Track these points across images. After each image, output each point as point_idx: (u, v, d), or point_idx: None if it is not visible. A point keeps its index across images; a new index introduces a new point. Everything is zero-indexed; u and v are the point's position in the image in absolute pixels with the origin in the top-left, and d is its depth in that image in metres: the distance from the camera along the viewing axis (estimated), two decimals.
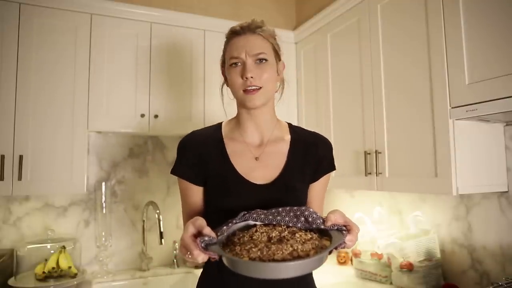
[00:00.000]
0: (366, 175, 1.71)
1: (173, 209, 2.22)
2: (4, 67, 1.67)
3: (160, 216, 1.96)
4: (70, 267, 1.76)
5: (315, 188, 1.08)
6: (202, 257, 0.77)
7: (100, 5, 1.86)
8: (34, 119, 1.72)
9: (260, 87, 0.98)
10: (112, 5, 1.90)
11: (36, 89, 1.73)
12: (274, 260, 0.70)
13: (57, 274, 1.73)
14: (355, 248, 1.91)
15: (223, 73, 1.08)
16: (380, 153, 1.64)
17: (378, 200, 2.05)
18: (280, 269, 0.68)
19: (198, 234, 0.79)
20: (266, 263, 0.69)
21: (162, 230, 1.93)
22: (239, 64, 0.98)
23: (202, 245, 0.76)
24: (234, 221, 0.85)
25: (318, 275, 1.12)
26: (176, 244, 2.15)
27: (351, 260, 2.03)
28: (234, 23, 1.03)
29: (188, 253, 0.78)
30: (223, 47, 1.07)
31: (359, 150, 1.79)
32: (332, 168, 1.11)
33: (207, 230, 0.78)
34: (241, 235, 0.81)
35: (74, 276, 1.75)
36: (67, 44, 1.81)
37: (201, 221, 0.81)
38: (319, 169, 1.08)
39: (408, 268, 1.61)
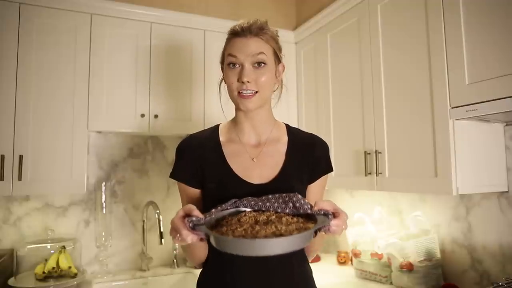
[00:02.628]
0: (366, 175, 1.71)
1: (173, 209, 2.22)
2: (4, 67, 1.67)
3: (160, 216, 1.97)
4: (70, 267, 1.75)
5: (313, 190, 1.08)
6: (190, 237, 0.80)
7: (100, 5, 1.86)
8: (34, 119, 1.72)
9: (256, 92, 0.98)
10: (112, 5, 1.90)
11: (36, 89, 1.73)
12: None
13: (57, 274, 1.73)
14: (355, 248, 1.91)
15: (223, 70, 1.08)
16: (380, 153, 1.64)
17: (378, 200, 2.05)
18: (262, 245, 0.71)
19: (187, 216, 0.82)
20: (248, 239, 0.72)
21: (162, 230, 1.94)
22: (237, 65, 0.98)
23: (190, 225, 0.78)
24: (223, 205, 0.87)
25: (318, 275, 1.12)
26: (176, 244, 2.15)
27: (351, 260, 2.02)
28: (234, 23, 1.02)
29: (178, 235, 0.81)
30: (223, 45, 1.06)
31: (359, 150, 1.79)
32: (330, 169, 1.11)
33: (196, 212, 0.82)
34: (229, 218, 0.83)
35: (74, 276, 1.75)
36: (67, 44, 1.81)
37: (191, 206, 0.84)
38: (316, 170, 1.08)
39: (408, 268, 1.61)
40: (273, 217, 0.82)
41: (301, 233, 0.73)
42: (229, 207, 0.88)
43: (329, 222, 0.81)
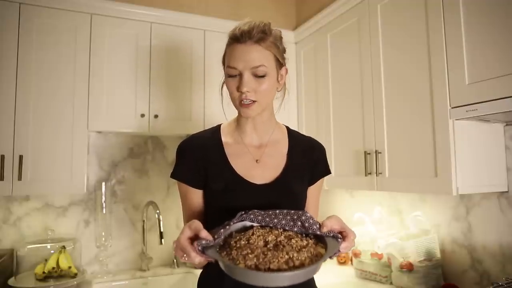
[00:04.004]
0: (366, 175, 1.71)
1: (173, 209, 2.22)
2: (4, 67, 1.67)
3: (160, 216, 1.97)
4: (70, 267, 1.75)
5: (311, 192, 1.10)
6: (198, 259, 0.79)
7: (100, 5, 1.86)
8: (34, 119, 1.72)
9: (255, 101, 0.97)
10: (112, 5, 1.90)
11: (36, 89, 1.73)
12: (270, 269, 0.72)
13: (57, 274, 1.72)
14: (355, 248, 1.91)
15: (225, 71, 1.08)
16: (380, 153, 1.64)
17: (378, 200, 2.05)
18: (275, 279, 0.71)
19: (195, 237, 0.80)
20: (262, 272, 0.71)
21: (162, 230, 1.93)
22: (237, 75, 0.97)
23: (199, 248, 0.77)
24: (231, 222, 0.86)
25: (318, 275, 1.12)
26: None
27: (351, 260, 2.02)
28: (234, 23, 1.01)
29: (185, 255, 0.80)
30: (225, 46, 1.06)
31: (359, 150, 1.79)
32: (328, 171, 1.13)
33: (204, 233, 0.79)
34: (237, 237, 0.81)
35: (74, 276, 1.75)
36: (67, 44, 1.81)
37: (197, 224, 0.81)
38: (316, 173, 1.10)
39: (408, 268, 1.61)
40: (282, 237, 0.81)
41: (313, 265, 0.73)
42: (235, 221, 0.86)
43: (339, 247, 0.80)
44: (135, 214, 2.16)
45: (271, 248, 0.78)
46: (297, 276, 0.72)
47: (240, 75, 0.96)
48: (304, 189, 1.07)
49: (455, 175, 1.33)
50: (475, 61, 1.26)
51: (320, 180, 1.12)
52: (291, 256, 0.75)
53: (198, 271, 1.10)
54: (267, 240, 0.80)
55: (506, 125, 1.47)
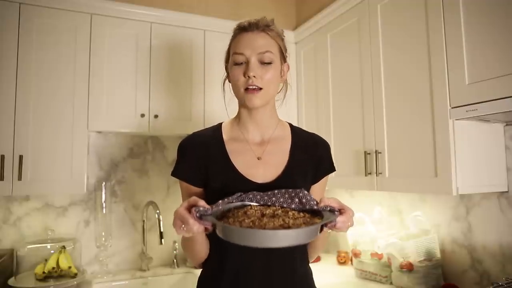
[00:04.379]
0: (366, 175, 1.71)
1: (173, 209, 2.20)
2: (4, 67, 1.67)
3: (160, 216, 1.97)
4: (70, 267, 1.76)
5: (315, 190, 1.08)
6: (197, 227, 0.80)
7: (100, 5, 1.86)
8: (34, 119, 1.72)
9: (261, 88, 0.98)
10: (112, 5, 1.90)
11: (36, 89, 1.74)
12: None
13: (57, 274, 1.73)
14: (355, 248, 1.91)
15: (226, 69, 1.08)
16: (380, 153, 1.64)
17: (378, 200, 2.05)
18: (269, 236, 0.70)
19: (193, 207, 0.82)
20: (256, 229, 0.72)
21: (162, 230, 1.93)
22: (243, 62, 0.98)
23: (197, 215, 0.79)
24: (230, 198, 0.87)
25: (318, 275, 1.12)
26: (176, 244, 2.15)
27: (351, 260, 2.02)
28: (234, 23, 1.02)
29: (183, 225, 0.82)
30: (228, 44, 1.06)
31: (359, 150, 1.79)
32: (332, 169, 1.11)
33: (202, 203, 0.82)
34: (235, 211, 0.83)
35: (74, 276, 1.75)
36: (67, 44, 1.81)
37: (196, 198, 0.85)
38: (320, 170, 1.08)
39: (408, 268, 1.61)
40: (279, 211, 0.82)
41: (309, 227, 0.73)
42: (234, 200, 0.87)
43: (335, 218, 0.81)
44: (135, 214, 2.16)
45: (267, 217, 0.79)
46: (291, 235, 0.71)
47: (247, 62, 0.98)
48: (307, 186, 1.06)
49: (455, 175, 1.33)
50: (475, 61, 1.26)
51: (325, 178, 1.10)
52: (286, 221, 0.76)
53: (198, 271, 1.10)
54: (264, 213, 0.82)
55: (506, 125, 1.47)
